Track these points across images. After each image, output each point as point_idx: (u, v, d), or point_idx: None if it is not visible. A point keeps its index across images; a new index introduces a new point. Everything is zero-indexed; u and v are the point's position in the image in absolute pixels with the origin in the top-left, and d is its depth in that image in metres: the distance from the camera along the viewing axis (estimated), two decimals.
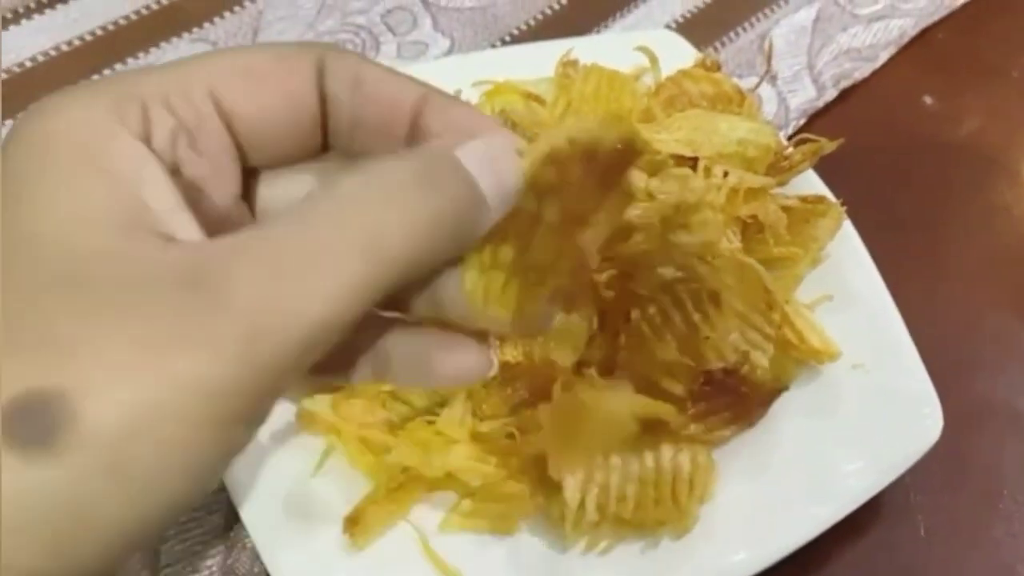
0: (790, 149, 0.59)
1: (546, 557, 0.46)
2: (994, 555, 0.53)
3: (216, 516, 0.51)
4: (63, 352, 0.24)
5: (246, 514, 0.46)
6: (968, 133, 0.73)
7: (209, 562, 0.49)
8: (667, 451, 0.48)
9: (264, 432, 0.49)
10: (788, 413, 0.51)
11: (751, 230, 0.55)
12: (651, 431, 0.49)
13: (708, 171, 0.54)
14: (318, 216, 0.27)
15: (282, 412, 0.49)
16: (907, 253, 0.64)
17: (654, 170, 0.54)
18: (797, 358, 0.52)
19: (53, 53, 0.73)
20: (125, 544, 0.24)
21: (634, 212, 0.50)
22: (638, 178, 0.53)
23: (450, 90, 0.34)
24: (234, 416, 0.25)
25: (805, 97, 0.72)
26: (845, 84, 0.73)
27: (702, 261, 0.50)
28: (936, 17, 0.79)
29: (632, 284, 0.51)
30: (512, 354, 0.49)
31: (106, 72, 0.72)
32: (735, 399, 0.50)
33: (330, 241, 0.26)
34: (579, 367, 0.51)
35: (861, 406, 0.51)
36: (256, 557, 0.49)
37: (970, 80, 0.77)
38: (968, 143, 0.73)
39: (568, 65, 0.61)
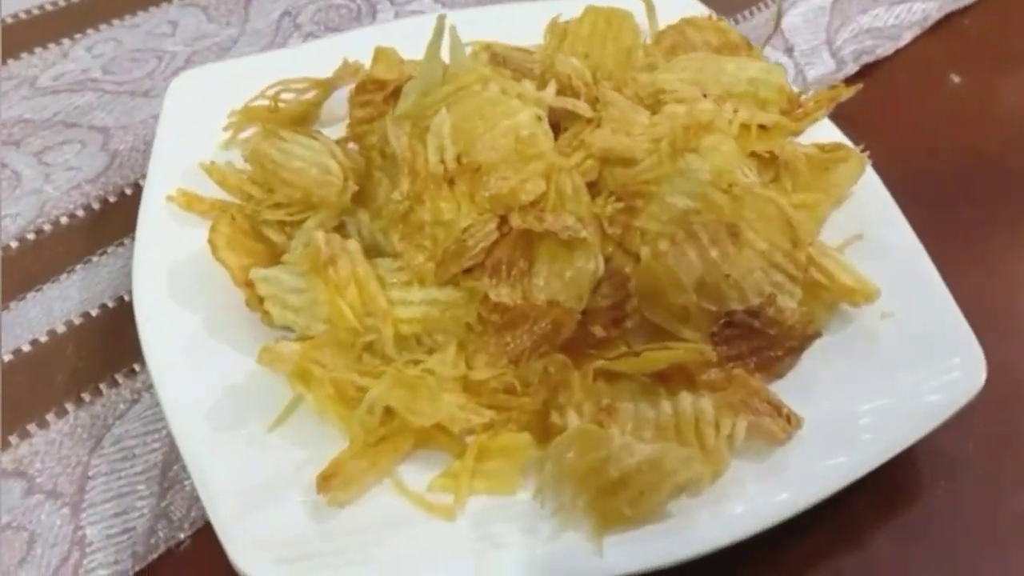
0: (805, 96, 0.58)
1: (553, 522, 0.43)
2: None
3: (155, 455, 0.48)
4: None
5: (188, 453, 0.43)
6: (996, 107, 0.73)
7: (141, 503, 0.46)
8: (686, 397, 0.46)
9: (220, 376, 0.47)
10: (817, 364, 0.48)
11: (769, 172, 0.53)
12: (666, 381, 0.47)
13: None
14: None
15: (243, 358, 0.47)
16: (935, 222, 0.62)
17: (657, 109, 0.54)
18: (829, 302, 0.50)
19: (50, 8, 0.78)
20: None
21: (636, 134, 0.50)
22: (640, 114, 0.52)
23: None
24: None
25: (824, 70, 0.72)
26: (867, 59, 0.73)
27: (717, 190, 0.49)
28: (962, 4, 0.80)
29: (640, 220, 0.50)
30: (508, 295, 0.47)
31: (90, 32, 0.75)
32: (762, 344, 0.48)
33: None
34: (584, 318, 0.49)
35: (894, 356, 0.48)
36: (194, 501, 0.46)
37: (998, 62, 0.77)
38: (996, 116, 0.72)
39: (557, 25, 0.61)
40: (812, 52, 0.73)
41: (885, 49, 0.75)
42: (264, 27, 0.76)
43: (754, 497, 0.43)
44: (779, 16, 0.68)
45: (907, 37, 0.76)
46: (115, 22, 0.77)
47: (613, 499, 0.41)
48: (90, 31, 0.76)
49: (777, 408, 0.45)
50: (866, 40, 0.75)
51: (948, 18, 0.79)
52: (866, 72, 0.73)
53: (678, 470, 0.41)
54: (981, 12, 0.81)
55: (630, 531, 0.42)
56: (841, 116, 0.60)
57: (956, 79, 0.75)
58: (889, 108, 0.71)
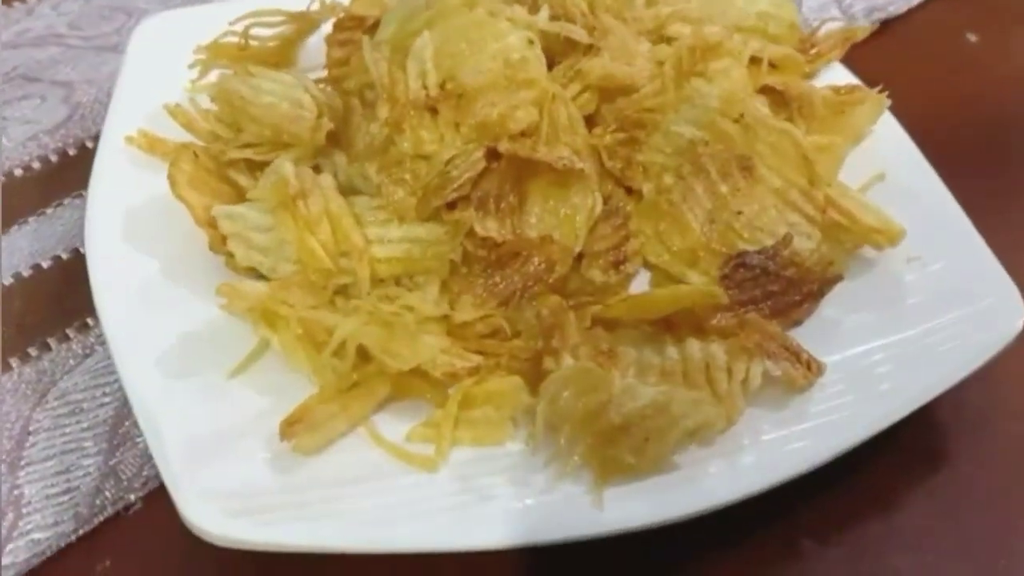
0: (818, 35, 0.55)
1: (548, 473, 0.38)
2: None
3: (104, 409, 0.43)
4: None
5: (137, 400, 0.39)
6: (1014, 67, 0.70)
7: (87, 461, 0.41)
8: (694, 343, 0.41)
9: (178, 323, 0.42)
10: (838, 310, 0.44)
11: (781, 114, 0.49)
12: (671, 328, 0.43)
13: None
14: None
15: (204, 305, 0.42)
16: (952, 181, 0.58)
17: (659, 41, 0.50)
18: (849, 245, 0.45)
19: None
20: None
21: (637, 58, 0.46)
22: (642, 45, 0.48)
23: None
24: None
25: (833, 26, 0.68)
26: (879, 16, 0.70)
27: (727, 119, 0.45)
28: None
29: (643, 153, 0.46)
30: (496, 229, 0.43)
31: None
32: (778, 288, 0.43)
33: None
34: (581, 261, 0.45)
35: (922, 301, 0.44)
36: (147, 460, 0.41)
37: (1015, 21, 0.74)
38: (1015, 76, 0.69)
39: None
40: (820, 9, 0.70)
41: (898, 6, 0.71)
42: None
43: (770, 447, 0.39)
44: None
45: None
46: None
47: (614, 446, 0.37)
48: None
49: (796, 353, 0.41)
50: None
51: None
52: (881, 30, 0.69)
53: (687, 414, 0.37)
54: None
55: (633, 483, 0.37)
56: (855, 74, 0.56)
57: (973, 38, 0.71)
58: (905, 67, 0.67)
